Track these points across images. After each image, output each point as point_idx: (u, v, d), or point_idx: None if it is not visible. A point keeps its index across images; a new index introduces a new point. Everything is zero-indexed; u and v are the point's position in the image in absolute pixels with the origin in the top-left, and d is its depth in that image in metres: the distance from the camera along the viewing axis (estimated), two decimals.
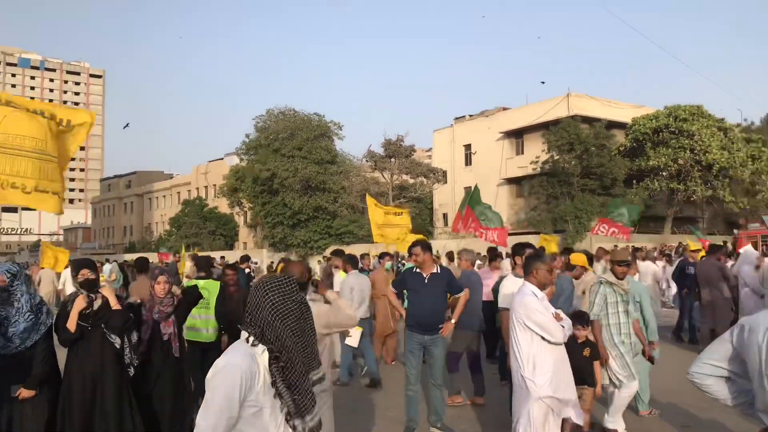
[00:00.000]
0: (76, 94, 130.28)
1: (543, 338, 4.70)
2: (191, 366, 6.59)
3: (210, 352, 6.82)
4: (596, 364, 5.95)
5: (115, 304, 5.12)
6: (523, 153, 40.79)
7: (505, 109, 45.19)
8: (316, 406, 2.57)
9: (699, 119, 34.87)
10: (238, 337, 2.64)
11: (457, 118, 49.24)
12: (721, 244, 15.23)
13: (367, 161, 46.04)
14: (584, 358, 5.92)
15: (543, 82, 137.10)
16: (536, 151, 36.93)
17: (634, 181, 35.51)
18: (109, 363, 5.09)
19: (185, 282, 11.04)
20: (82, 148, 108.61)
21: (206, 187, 68.87)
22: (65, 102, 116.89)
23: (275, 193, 45.42)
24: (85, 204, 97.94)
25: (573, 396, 4.85)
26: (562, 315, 4.98)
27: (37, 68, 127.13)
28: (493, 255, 10.57)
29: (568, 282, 7.06)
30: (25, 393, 4.80)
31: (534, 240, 23.89)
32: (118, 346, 5.16)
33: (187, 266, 16.79)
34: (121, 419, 5.06)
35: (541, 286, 4.91)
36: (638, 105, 41.60)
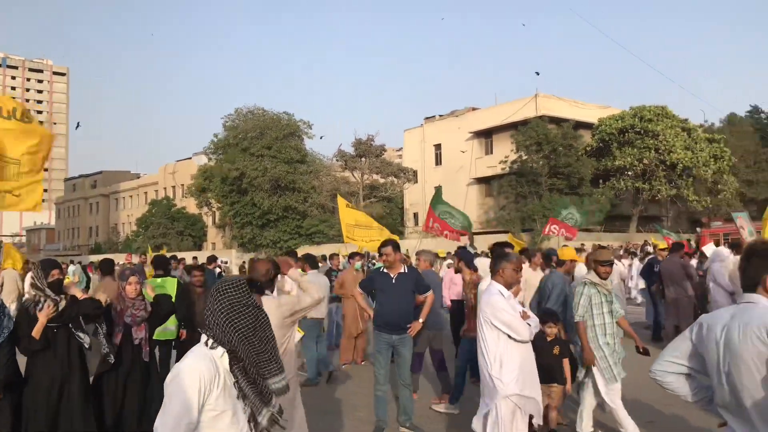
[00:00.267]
0: (39, 92, 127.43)
1: (510, 337, 4.73)
2: (163, 364, 6.73)
3: (169, 348, 7.19)
4: (565, 361, 6.02)
5: (81, 296, 5.11)
6: (492, 153, 41.15)
7: (474, 109, 45.53)
8: (274, 401, 2.57)
9: (663, 120, 35.60)
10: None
11: (427, 118, 49.46)
12: (683, 242, 15.55)
13: (337, 161, 45.94)
14: (554, 357, 5.98)
15: (538, 73, 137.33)
16: (505, 150, 37.28)
17: (601, 181, 36.10)
18: (76, 364, 5.05)
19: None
20: None
21: (174, 187, 67.99)
22: (27, 100, 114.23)
23: (244, 193, 45.05)
24: (48, 204, 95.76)
25: (538, 395, 4.90)
26: (529, 313, 5.02)
27: None
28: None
29: (559, 278, 7.14)
30: None
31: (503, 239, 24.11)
32: (87, 345, 5.10)
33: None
34: (86, 420, 5.02)
35: (508, 285, 4.93)
36: (604, 106, 42.28)
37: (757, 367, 2.36)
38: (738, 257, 10.69)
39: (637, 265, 17.03)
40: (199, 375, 2.36)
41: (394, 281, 6.31)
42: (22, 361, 4.95)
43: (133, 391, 5.43)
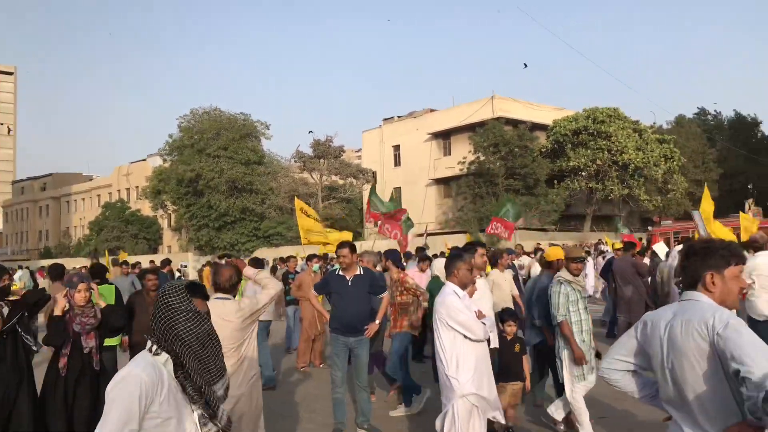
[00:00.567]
0: None
1: (465, 337, 4.78)
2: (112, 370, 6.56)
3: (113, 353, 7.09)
4: (525, 358, 6.13)
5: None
6: (450, 154, 41.48)
7: (432, 110, 45.81)
8: (220, 412, 2.55)
9: (615, 121, 36.45)
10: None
11: (385, 119, 49.55)
12: (635, 241, 15.96)
13: (295, 162, 45.65)
14: (514, 354, 6.09)
15: (525, 65, 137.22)
16: (463, 152, 37.65)
17: (556, 181, 36.76)
18: (26, 370, 4.99)
19: None
20: None
21: (128, 189, 66.59)
22: None
23: (200, 195, 44.38)
24: None
25: (494, 394, 4.96)
26: (484, 312, 5.09)
27: None
28: (422, 256, 10.68)
29: (548, 279, 7.14)
30: None
31: (461, 240, 24.28)
32: (36, 349, 4.99)
33: (112, 271, 16.12)
34: (36, 423, 4.95)
35: (463, 285, 4.98)
36: (559, 107, 43.03)
37: (699, 362, 2.43)
38: None
39: (590, 263, 17.40)
40: (141, 382, 2.31)
41: (350, 283, 6.30)
42: None
43: (82, 401, 5.26)
